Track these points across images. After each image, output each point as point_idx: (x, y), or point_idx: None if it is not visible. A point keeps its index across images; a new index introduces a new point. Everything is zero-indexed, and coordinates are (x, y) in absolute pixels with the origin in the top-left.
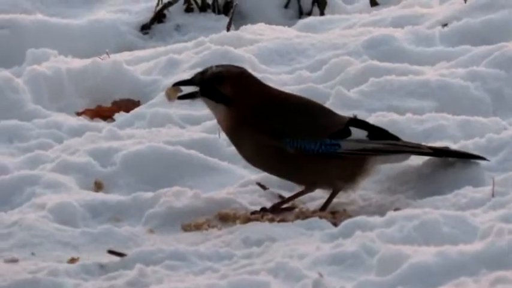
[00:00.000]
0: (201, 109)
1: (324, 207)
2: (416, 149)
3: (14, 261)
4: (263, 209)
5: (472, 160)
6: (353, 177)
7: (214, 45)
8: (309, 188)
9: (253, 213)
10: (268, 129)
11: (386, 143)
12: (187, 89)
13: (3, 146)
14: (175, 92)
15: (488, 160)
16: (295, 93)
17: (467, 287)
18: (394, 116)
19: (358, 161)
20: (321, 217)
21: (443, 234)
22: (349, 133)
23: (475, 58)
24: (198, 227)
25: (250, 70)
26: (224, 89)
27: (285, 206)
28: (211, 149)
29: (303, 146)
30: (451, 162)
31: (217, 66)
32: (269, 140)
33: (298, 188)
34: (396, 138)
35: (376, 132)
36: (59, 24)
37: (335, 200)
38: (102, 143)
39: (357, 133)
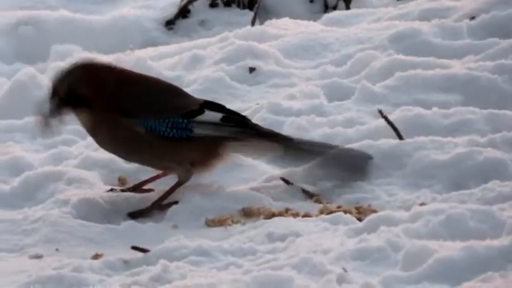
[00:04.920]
0: (225, 104)
1: (164, 197)
2: (273, 138)
3: (39, 257)
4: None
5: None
6: (206, 162)
7: (238, 40)
8: (166, 172)
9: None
10: (119, 108)
11: (240, 130)
12: None
13: (27, 142)
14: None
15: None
16: (316, 88)
17: (494, 282)
18: (420, 110)
19: (212, 146)
20: (345, 212)
21: (469, 229)
22: (202, 113)
23: (502, 51)
24: (221, 223)
25: (274, 65)
26: (81, 92)
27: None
28: None
29: (153, 126)
30: (478, 155)
31: (58, 78)
32: (122, 120)
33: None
34: (254, 126)
35: (232, 118)
36: (83, 21)
37: (360, 195)
38: None
39: (210, 115)
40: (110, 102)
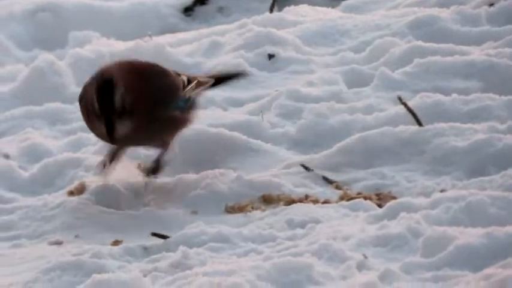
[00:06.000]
0: (243, 91)
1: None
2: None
3: (58, 243)
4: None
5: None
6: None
7: (257, 27)
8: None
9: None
10: (151, 104)
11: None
12: None
13: (46, 129)
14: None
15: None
16: (335, 74)
17: None
18: (440, 97)
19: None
20: (365, 198)
21: (490, 215)
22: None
23: None
24: (241, 209)
25: (293, 52)
26: (127, 103)
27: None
28: (254, 130)
29: (179, 104)
30: (498, 142)
31: (104, 97)
32: (158, 113)
33: None
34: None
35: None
36: (101, 7)
37: (380, 182)
38: None
39: (185, 79)
40: (144, 100)
